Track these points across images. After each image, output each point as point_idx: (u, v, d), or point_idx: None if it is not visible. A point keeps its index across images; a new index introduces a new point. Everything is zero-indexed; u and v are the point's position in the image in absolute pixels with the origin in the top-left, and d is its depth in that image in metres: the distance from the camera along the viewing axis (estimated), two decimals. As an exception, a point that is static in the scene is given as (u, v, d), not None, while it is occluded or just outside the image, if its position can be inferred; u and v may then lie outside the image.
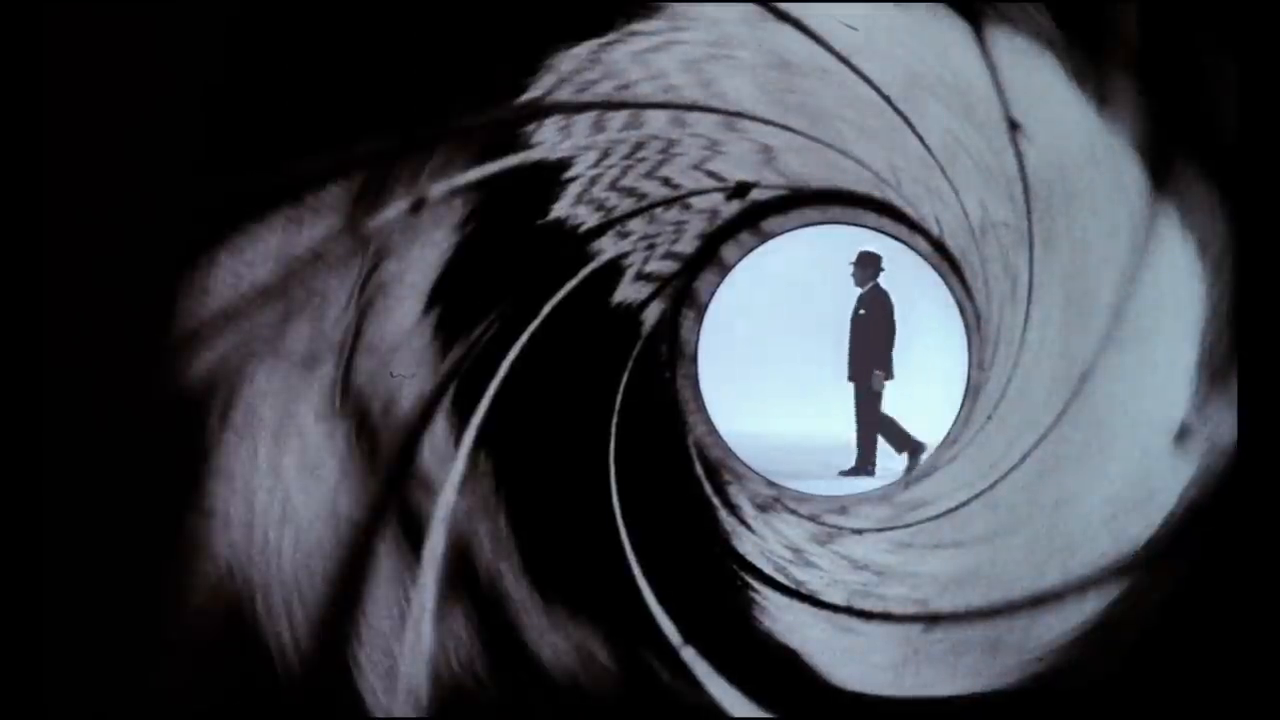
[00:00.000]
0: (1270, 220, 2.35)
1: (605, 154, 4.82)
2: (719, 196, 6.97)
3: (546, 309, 5.10)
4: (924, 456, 12.38)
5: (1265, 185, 2.32)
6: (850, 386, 13.80)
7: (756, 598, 5.55)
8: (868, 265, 13.42)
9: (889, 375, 13.61)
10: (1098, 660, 3.10)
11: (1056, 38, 3.04)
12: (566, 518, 5.18)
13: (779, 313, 23.42)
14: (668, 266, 7.44)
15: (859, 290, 13.70)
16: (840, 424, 14.72)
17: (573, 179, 4.69)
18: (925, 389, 14.08)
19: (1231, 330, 2.59)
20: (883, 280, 13.53)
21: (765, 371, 23.07)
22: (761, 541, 6.91)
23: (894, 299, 13.59)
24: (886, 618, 4.97)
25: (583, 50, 3.77)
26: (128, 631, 2.30)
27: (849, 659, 4.72)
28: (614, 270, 6.22)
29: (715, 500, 7.55)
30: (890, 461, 13.41)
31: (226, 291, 2.55)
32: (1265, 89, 2.29)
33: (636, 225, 6.04)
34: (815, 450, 15.47)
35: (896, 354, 13.66)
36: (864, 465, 13.50)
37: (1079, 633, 3.21)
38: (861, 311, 13.67)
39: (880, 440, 13.66)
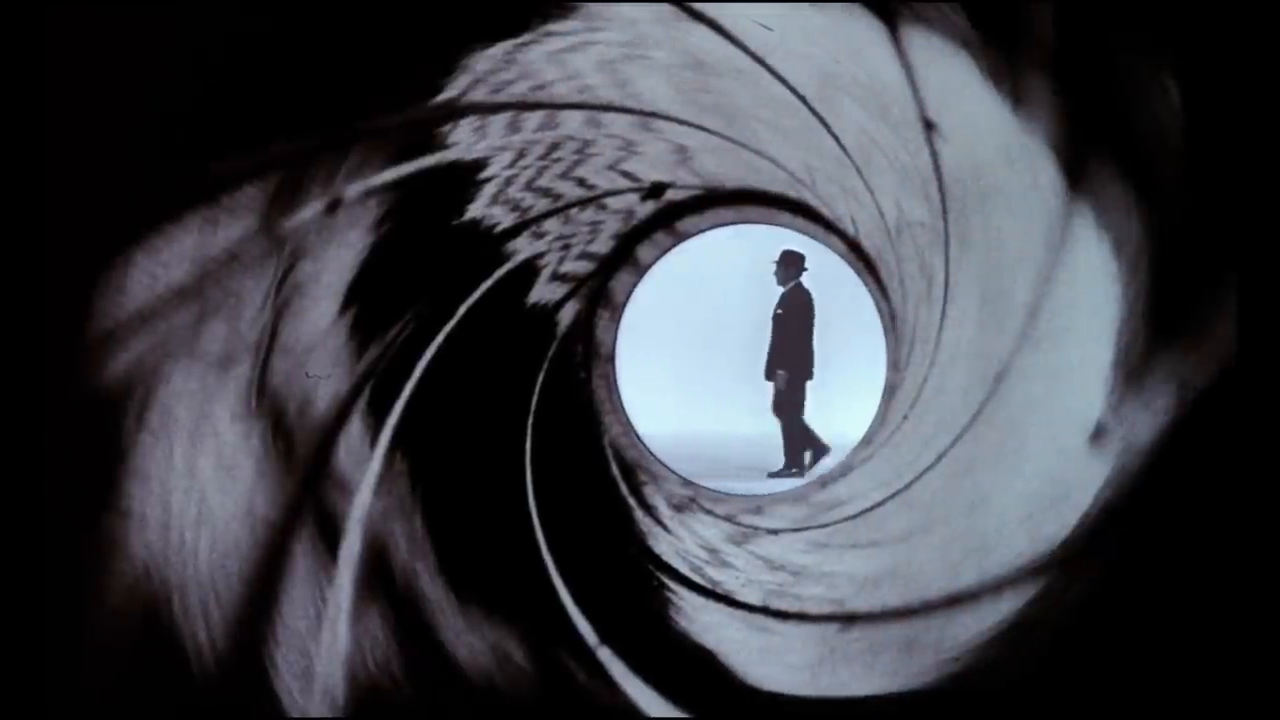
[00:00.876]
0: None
1: (521, 154, 4.82)
2: (634, 197, 6.98)
3: (462, 309, 5.09)
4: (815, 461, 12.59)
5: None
6: (769, 386, 13.85)
7: (673, 598, 5.56)
8: (790, 265, 13.44)
9: (808, 375, 13.64)
10: (1013, 660, 3.11)
11: (972, 37, 3.05)
12: (482, 518, 5.17)
13: (698, 312, 23.44)
14: (583, 267, 7.44)
15: (780, 289, 13.74)
16: (758, 424, 14.77)
17: (488, 179, 4.68)
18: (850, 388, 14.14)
19: (1148, 329, 2.61)
20: (805, 280, 13.55)
21: (682, 372, 23.07)
22: (678, 542, 6.92)
23: (815, 298, 13.64)
24: (803, 618, 4.98)
25: (498, 51, 3.76)
26: (43, 632, 2.28)
27: (765, 659, 4.73)
28: (529, 271, 6.21)
29: (631, 501, 7.56)
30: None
31: (142, 292, 2.53)
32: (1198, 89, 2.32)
33: (552, 225, 6.05)
34: (733, 450, 15.50)
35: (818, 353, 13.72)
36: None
37: (995, 632, 3.23)
38: (780, 311, 13.69)
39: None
